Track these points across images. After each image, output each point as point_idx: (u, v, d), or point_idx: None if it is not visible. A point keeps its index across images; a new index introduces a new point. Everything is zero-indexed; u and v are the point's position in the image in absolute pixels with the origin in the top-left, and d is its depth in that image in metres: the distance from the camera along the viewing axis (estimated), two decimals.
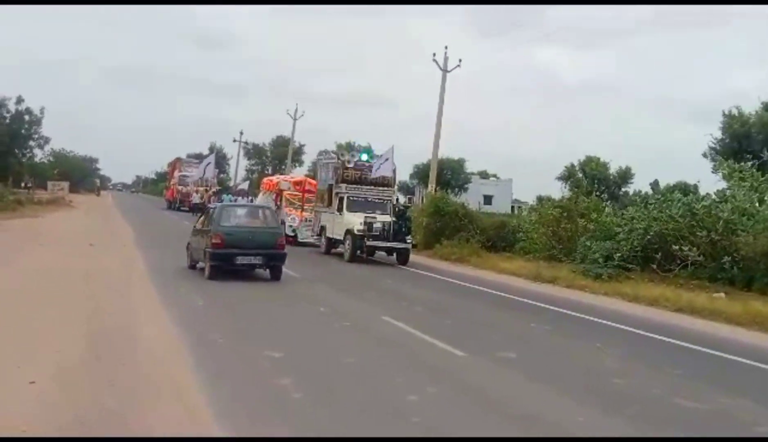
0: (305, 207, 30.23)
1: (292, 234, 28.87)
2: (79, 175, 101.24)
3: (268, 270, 17.17)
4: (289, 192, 31.80)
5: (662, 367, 9.94)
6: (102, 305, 11.98)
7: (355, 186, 25.43)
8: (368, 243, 23.22)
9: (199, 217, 19.61)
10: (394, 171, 26.33)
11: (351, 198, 24.98)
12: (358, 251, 23.46)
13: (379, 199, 25.41)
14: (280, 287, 16.25)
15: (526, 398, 7.84)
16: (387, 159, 25.45)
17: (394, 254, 23.98)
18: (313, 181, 32.00)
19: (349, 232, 23.73)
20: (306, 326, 11.41)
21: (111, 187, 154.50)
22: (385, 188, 25.87)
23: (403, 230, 23.67)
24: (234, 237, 16.44)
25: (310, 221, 28.92)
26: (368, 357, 9.37)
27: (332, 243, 25.67)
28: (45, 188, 61.19)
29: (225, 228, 16.58)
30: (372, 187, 25.60)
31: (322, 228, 26.56)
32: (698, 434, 6.81)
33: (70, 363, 7.96)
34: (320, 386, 7.71)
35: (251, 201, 39.56)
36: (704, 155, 45.01)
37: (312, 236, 28.14)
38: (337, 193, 25.41)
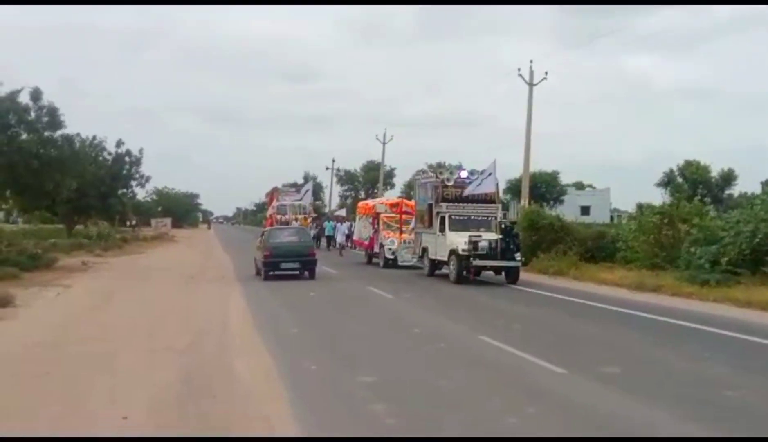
0: (403, 229, 29.80)
1: (392, 257, 28.69)
2: (182, 210, 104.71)
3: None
4: (386, 215, 31.43)
5: None
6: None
7: (456, 204, 24.60)
8: (475, 263, 22.19)
9: (259, 238, 25.86)
10: (497, 186, 25.52)
11: (453, 217, 24.15)
12: (464, 272, 22.45)
13: (482, 216, 24.51)
14: (388, 312, 16.21)
15: (632, 415, 7.40)
16: (490, 174, 24.22)
17: (503, 273, 22.78)
18: (410, 203, 31.82)
19: (453, 252, 22.80)
20: (399, 349, 11.24)
21: (213, 220, 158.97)
22: (489, 205, 24.87)
23: (512, 247, 22.56)
24: (279, 250, 23.20)
25: (409, 243, 28.37)
26: (464, 379, 9.10)
27: (435, 265, 24.90)
28: (149, 225, 63.62)
29: (272, 244, 23.49)
30: (474, 204, 24.67)
31: (424, 250, 25.76)
32: None
33: (164, 398, 8.02)
34: (414, 411, 7.52)
35: (351, 227, 39.98)
36: None
37: (413, 258, 27.51)
38: (437, 213, 24.62)
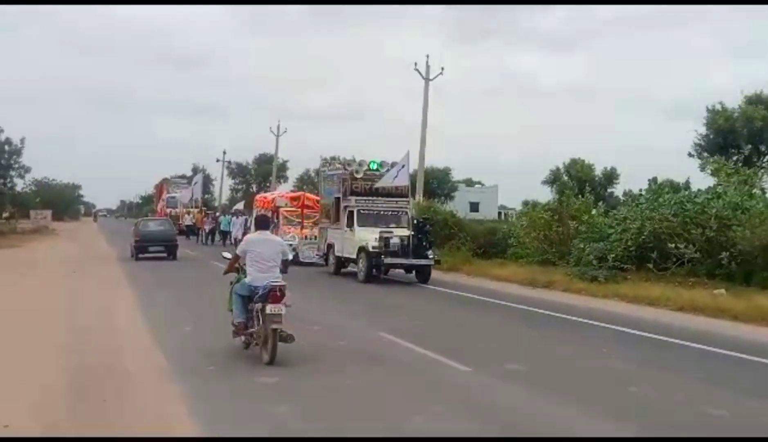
0: (305, 224, 28.66)
1: (293, 254, 27.57)
2: (63, 202, 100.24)
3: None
4: (286, 209, 30.14)
5: (678, 371, 9.52)
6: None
7: (365, 198, 23.01)
8: (386, 261, 20.97)
9: (133, 227, 31.84)
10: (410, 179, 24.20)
11: (362, 212, 22.59)
12: (374, 271, 21.17)
13: (393, 211, 23.10)
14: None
15: (540, 413, 7.36)
16: (403, 166, 22.98)
17: (414, 272, 21.70)
18: (312, 196, 30.74)
19: (362, 249, 21.38)
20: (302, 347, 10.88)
21: (99, 213, 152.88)
22: (400, 199, 23.49)
23: (424, 244, 21.39)
24: (147, 236, 29.63)
25: (311, 239, 27.16)
26: (369, 377, 8.85)
27: (342, 263, 23.43)
28: (28, 217, 60.46)
29: (142, 231, 29.94)
30: (385, 198, 23.16)
31: (330, 246, 24.17)
32: None
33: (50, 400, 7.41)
34: (319, 411, 7.23)
35: (248, 221, 38.49)
36: (690, 154, 44.91)
37: (317, 255, 25.91)
38: (345, 207, 23.02)
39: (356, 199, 22.89)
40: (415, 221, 22.32)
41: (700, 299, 15.95)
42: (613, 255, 20.85)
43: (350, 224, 22.48)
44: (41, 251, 33.01)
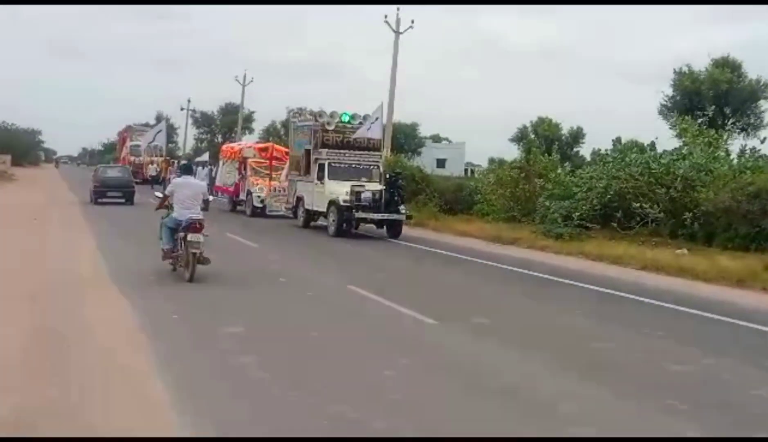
0: (273, 176, 27.86)
1: (261, 205, 27.14)
2: (22, 148, 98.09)
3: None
4: (254, 160, 29.31)
5: (639, 328, 9.60)
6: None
7: (337, 151, 22.47)
8: (357, 215, 20.63)
9: (92, 174, 34.10)
10: (383, 132, 23.70)
11: (333, 165, 22.06)
12: (344, 225, 20.75)
13: (365, 165, 22.59)
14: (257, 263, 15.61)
15: (505, 368, 7.39)
16: (377, 118, 22.56)
17: (384, 227, 21.52)
18: (280, 148, 30.02)
19: (333, 203, 20.98)
20: (268, 298, 10.82)
21: (60, 160, 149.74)
22: (372, 152, 23.11)
23: (396, 199, 21.00)
24: (105, 182, 31.29)
25: (279, 191, 26.67)
26: (336, 330, 8.83)
27: (311, 216, 23.02)
28: None
29: (101, 178, 31.77)
30: (357, 151, 22.70)
31: (299, 199, 23.65)
32: (690, 399, 6.43)
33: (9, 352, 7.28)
34: (286, 364, 7.17)
35: (212, 171, 37.13)
36: (660, 113, 45.03)
37: (286, 207, 25.42)
38: (316, 160, 22.51)
39: (327, 152, 22.39)
40: (387, 176, 21.98)
41: (662, 259, 16.14)
42: (578, 214, 21.03)
43: (321, 177, 22.01)
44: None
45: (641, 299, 11.97)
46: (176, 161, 47.49)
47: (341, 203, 20.60)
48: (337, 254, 17.29)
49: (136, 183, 49.24)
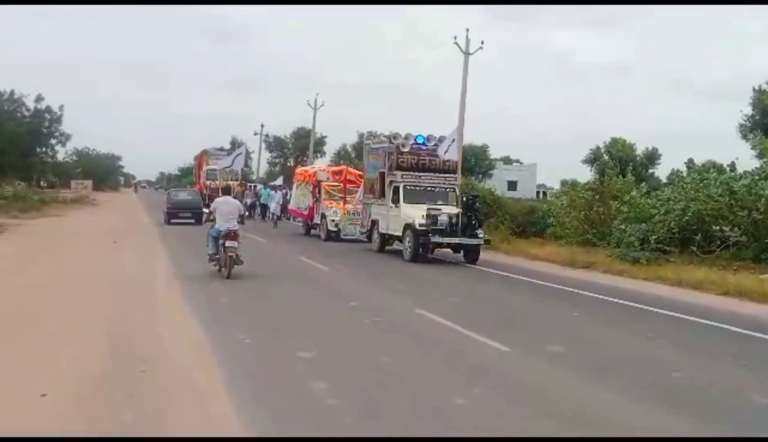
0: (347, 199, 27.45)
1: (335, 229, 26.78)
2: (103, 173, 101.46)
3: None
4: (328, 183, 29.16)
5: (723, 357, 9.21)
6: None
7: (412, 173, 22.15)
8: (433, 239, 20.10)
9: (165, 197, 37.92)
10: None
11: (408, 187, 21.71)
12: (421, 249, 20.33)
13: (441, 187, 22.20)
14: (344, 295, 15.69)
15: (583, 397, 7.13)
16: (453, 140, 21.94)
17: (461, 252, 20.89)
18: (354, 171, 29.55)
19: (408, 227, 20.57)
20: (337, 324, 10.79)
21: (141, 184, 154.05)
22: (448, 175, 22.65)
23: (474, 222, 20.46)
24: (177, 205, 33.80)
25: (353, 214, 26.31)
26: (407, 356, 8.70)
27: (386, 240, 22.73)
28: (69, 187, 61.30)
29: (172, 200, 34.68)
30: (432, 174, 22.34)
31: (373, 223, 23.44)
32: None
33: (88, 371, 7.39)
34: (356, 391, 7.08)
35: (286, 194, 37.72)
36: (744, 136, 43.71)
37: (360, 231, 25.14)
38: (391, 183, 22.19)
39: (402, 175, 22.07)
40: (464, 198, 21.34)
41: (746, 284, 15.53)
42: (656, 237, 20.54)
43: (396, 200, 21.73)
44: (82, 220, 33.36)
45: (724, 326, 11.52)
46: (252, 185, 47.85)
47: (417, 227, 20.16)
48: (409, 278, 17.11)
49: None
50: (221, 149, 64.08)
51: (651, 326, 11.53)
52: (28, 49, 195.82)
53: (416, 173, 22.21)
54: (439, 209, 20.51)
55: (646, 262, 19.43)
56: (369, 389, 7.13)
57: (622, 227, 22.06)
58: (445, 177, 22.52)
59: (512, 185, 76.89)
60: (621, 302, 14.05)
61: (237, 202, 16.84)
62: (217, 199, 16.26)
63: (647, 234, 20.70)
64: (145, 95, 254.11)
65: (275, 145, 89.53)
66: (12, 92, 44.01)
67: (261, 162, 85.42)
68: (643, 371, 8.33)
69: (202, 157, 60.06)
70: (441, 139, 22.60)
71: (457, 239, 20.27)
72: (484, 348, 9.12)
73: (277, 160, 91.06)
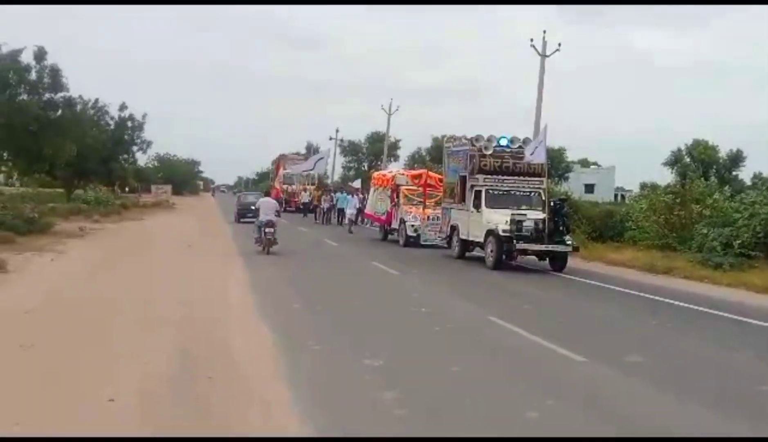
0: (427, 204, 26.53)
1: (414, 235, 26.08)
2: (182, 177, 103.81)
3: None
4: (407, 187, 28.24)
5: None
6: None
7: (495, 177, 21.06)
8: (518, 246, 19.07)
9: (236, 200, 44.34)
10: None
11: (491, 191, 20.74)
12: (504, 256, 19.50)
13: (525, 191, 21.13)
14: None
15: (660, 411, 6.81)
16: (540, 141, 20.45)
17: (547, 259, 19.96)
18: (435, 175, 28.58)
19: (491, 233, 19.62)
20: (410, 329, 10.68)
21: (220, 188, 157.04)
22: (534, 178, 21.34)
23: (561, 228, 19.40)
24: (244, 207, 36.86)
25: (434, 219, 25.30)
26: (478, 365, 8.50)
27: (467, 246, 21.90)
28: (149, 192, 62.98)
29: (241, 202, 39.86)
30: (516, 177, 21.18)
31: (453, 228, 22.55)
32: None
33: (156, 376, 7.46)
34: (426, 401, 6.91)
35: (364, 199, 36.89)
36: None
37: (439, 237, 24.32)
38: (472, 187, 21.19)
39: (485, 178, 21.02)
40: (552, 203, 20.10)
41: None
42: (740, 241, 19.86)
43: (477, 205, 20.80)
44: (162, 223, 34.19)
45: None
46: (330, 189, 47.55)
47: (500, 233, 19.23)
48: (482, 284, 16.83)
49: (289, 211, 50.78)
50: (297, 153, 64.76)
51: (735, 336, 11.08)
52: (114, 55, 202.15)
53: (499, 177, 21.15)
54: (524, 214, 19.62)
55: (729, 267, 18.78)
56: (438, 400, 6.95)
57: (704, 231, 21.37)
58: (529, 180, 21.33)
59: (589, 188, 75.40)
60: (704, 310, 13.54)
61: (275, 201, 23.62)
62: (261, 199, 23.62)
63: (730, 239, 20.00)
64: (222, 102, 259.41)
65: (350, 149, 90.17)
66: (96, 101, 45.32)
67: (336, 166, 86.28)
68: (725, 384, 7.95)
69: (280, 161, 60.39)
70: (526, 141, 21.68)
71: (543, 245, 19.23)
72: (559, 358, 8.84)
73: (351, 165, 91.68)
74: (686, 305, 14.10)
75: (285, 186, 54.75)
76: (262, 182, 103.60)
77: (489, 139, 21.50)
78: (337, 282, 16.01)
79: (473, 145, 21.62)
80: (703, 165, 60.81)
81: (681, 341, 10.79)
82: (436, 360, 8.58)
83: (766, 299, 15.17)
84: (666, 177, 55.38)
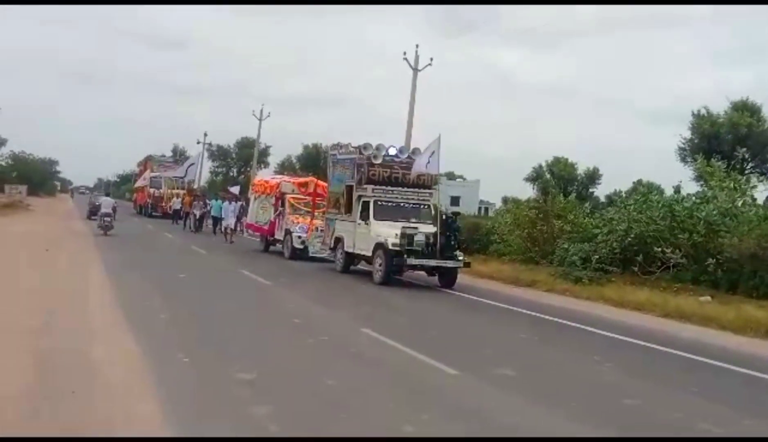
0: (316, 214, 25.10)
1: (301, 247, 24.57)
2: (39, 178, 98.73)
3: None
4: (293, 196, 26.72)
5: (672, 383, 9.18)
6: None
7: (384, 187, 20.22)
8: (409, 261, 18.32)
9: (89, 200, 50.22)
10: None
11: (380, 203, 19.88)
12: (393, 272, 18.59)
13: (413, 203, 20.37)
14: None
15: (531, 423, 6.97)
16: (433, 152, 19.39)
17: (436, 276, 19.20)
18: (323, 183, 26.34)
19: (380, 246, 18.68)
20: (279, 342, 10.45)
21: (80, 190, 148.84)
22: (423, 190, 20.70)
23: (452, 243, 18.87)
24: (96, 207, 36.21)
25: (322, 230, 23.39)
26: (354, 378, 8.39)
27: (351, 259, 20.94)
28: (2, 191, 59.44)
29: (93, 202, 42.75)
30: (406, 188, 20.43)
31: (337, 240, 21.44)
32: None
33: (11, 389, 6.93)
34: (301, 415, 6.77)
35: (243, 207, 34.69)
36: (683, 159, 44.80)
37: (325, 249, 22.83)
38: (360, 197, 20.33)
39: (373, 189, 20.11)
40: (444, 216, 19.61)
41: (686, 306, 15.71)
42: (598, 257, 20.66)
43: (365, 217, 19.89)
44: (15, 226, 32.25)
45: (670, 350, 11.51)
46: (203, 195, 44.75)
47: (390, 247, 18.32)
48: (362, 297, 16.59)
49: (155, 216, 48.59)
50: (163, 156, 62.68)
51: (598, 349, 11.50)
52: None
53: (388, 187, 20.32)
54: (416, 228, 18.85)
55: (588, 281, 19.55)
56: (312, 415, 6.81)
57: (565, 245, 22.16)
58: (419, 192, 20.63)
59: (455, 201, 77.07)
60: (566, 322, 14.04)
61: (113, 200, 33.51)
62: (101, 198, 34.68)
63: (589, 254, 20.81)
64: (84, 100, 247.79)
65: (218, 154, 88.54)
66: None
67: (204, 171, 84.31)
68: (592, 396, 8.23)
69: (147, 163, 57.29)
70: (415, 152, 21.13)
71: (434, 261, 18.47)
72: (433, 372, 8.84)
73: (220, 170, 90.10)
74: (551, 318, 14.54)
75: (152, 190, 51.51)
76: (124, 184, 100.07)
77: (378, 148, 20.79)
78: (207, 294, 15.37)
79: (361, 153, 20.74)
80: (562, 181, 63.47)
81: (548, 353, 11.11)
82: (310, 373, 8.40)
83: (623, 312, 15.88)
84: (527, 192, 57.46)
